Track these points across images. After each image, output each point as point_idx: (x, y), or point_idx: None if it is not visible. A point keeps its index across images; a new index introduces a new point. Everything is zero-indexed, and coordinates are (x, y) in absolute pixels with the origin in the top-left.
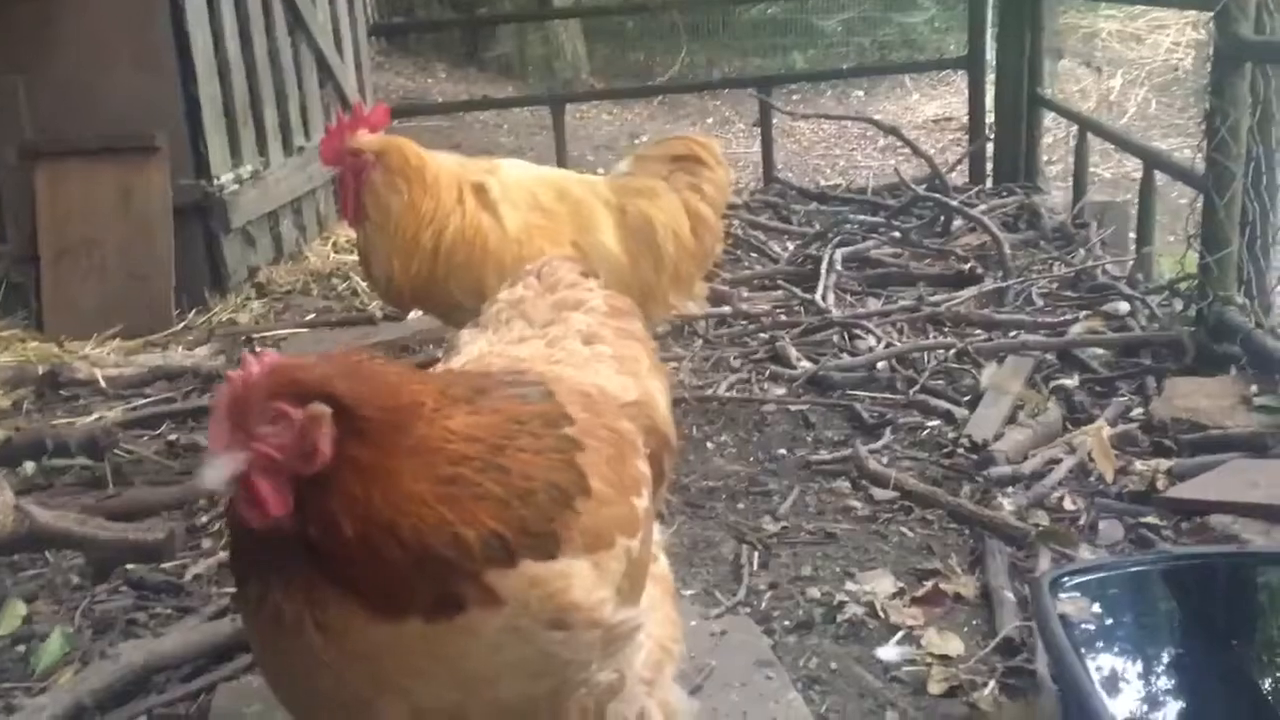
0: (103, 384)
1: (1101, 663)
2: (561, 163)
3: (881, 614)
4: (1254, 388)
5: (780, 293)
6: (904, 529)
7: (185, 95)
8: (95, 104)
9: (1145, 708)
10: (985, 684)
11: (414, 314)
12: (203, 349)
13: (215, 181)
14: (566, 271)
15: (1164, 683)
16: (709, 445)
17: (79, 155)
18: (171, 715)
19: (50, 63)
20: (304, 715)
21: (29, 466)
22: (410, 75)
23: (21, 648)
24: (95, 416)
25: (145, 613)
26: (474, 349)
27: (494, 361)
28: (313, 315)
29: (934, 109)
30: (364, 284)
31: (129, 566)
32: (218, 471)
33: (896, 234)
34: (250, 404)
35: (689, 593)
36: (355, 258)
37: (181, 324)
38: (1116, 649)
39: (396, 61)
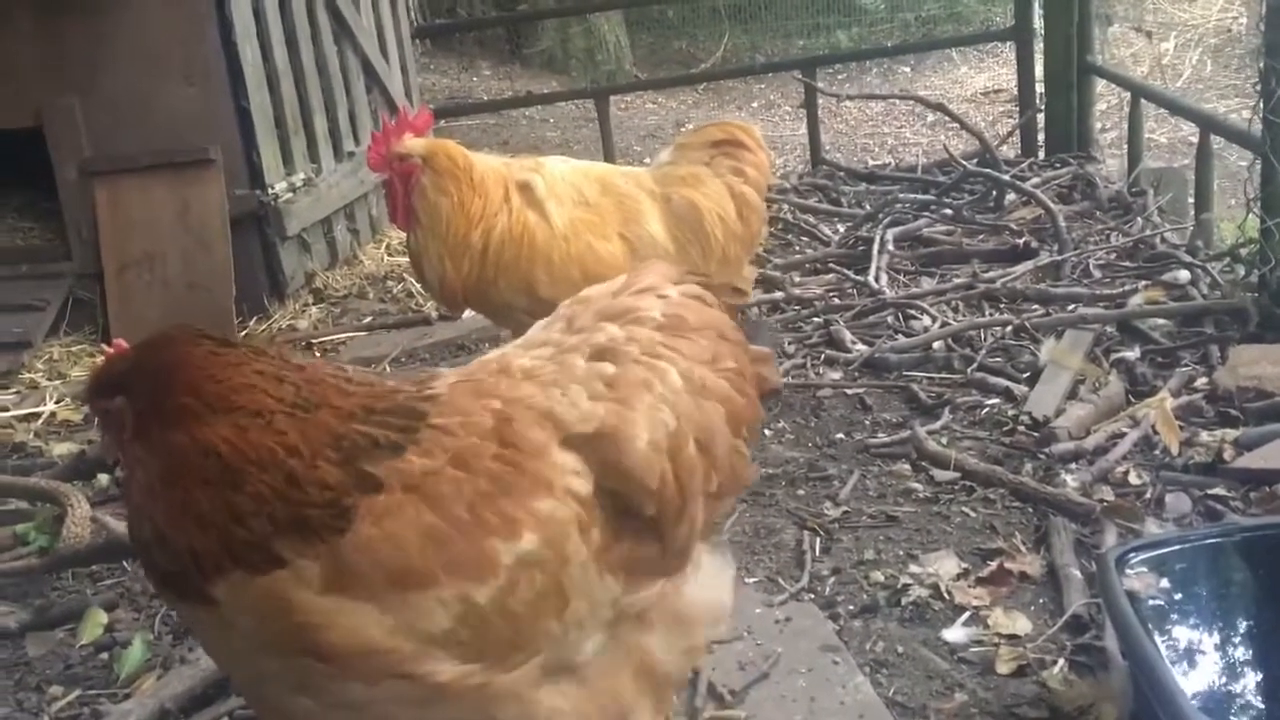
0: None
1: (1171, 638)
2: (608, 153)
3: (946, 595)
4: None
5: (832, 276)
6: (966, 509)
7: (237, 107)
8: (150, 120)
9: (1218, 682)
10: (1054, 662)
11: (469, 313)
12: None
13: (269, 190)
14: (654, 275)
15: (1236, 656)
16: (767, 432)
17: (136, 171)
18: (252, 718)
19: (105, 81)
20: None
21: (103, 478)
22: (455, 75)
23: (104, 655)
24: None
25: None
26: (497, 351)
27: (480, 373)
28: (370, 318)
29: (983, 81)
30: (418, 285)
31: None
32: (102, 448)
33: (948, 211)
34: (89, 398)
35: (752, 580)
36: (409, 259)
37: (243, 332)
38: (1186, 624)
39: (441, 62)
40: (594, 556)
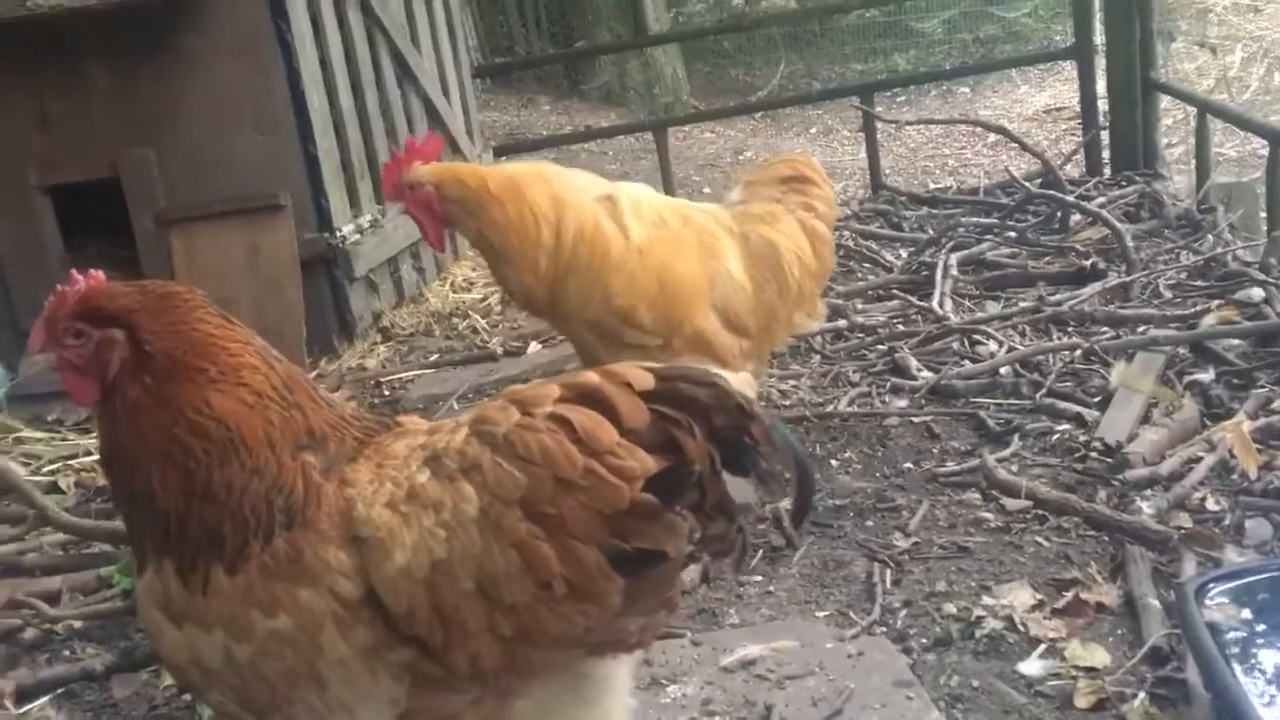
0: None
1: (1254, 670)
2: (667, 185)
3: (1021, 627)
4: None
5: (896, 302)
6: (1039, 539)
7: (305, 153)
8: (222, 168)
9: None
10: (1135, 695)
11: (533, 347)
12: (335, 396)
13: (337, 233)
14: (597, 378)
15: None
16: (833, 463)
17: (209, 218)
18: None
19: (178, 133)
20: None
21: None
22: (514, 111)
23: (188, 696)
24: None
25: None
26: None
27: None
28: (436, 355)
29: (1045, 99)
30: (483, 322)
31: None
32: (33, 366)
33: (1012, 234)
34: (59, 319)
35: (822, 614)
36: (474, 296)
37: (314, 373)
38: (1270, 655)
39: (501, 99)
40: (361, 655)
